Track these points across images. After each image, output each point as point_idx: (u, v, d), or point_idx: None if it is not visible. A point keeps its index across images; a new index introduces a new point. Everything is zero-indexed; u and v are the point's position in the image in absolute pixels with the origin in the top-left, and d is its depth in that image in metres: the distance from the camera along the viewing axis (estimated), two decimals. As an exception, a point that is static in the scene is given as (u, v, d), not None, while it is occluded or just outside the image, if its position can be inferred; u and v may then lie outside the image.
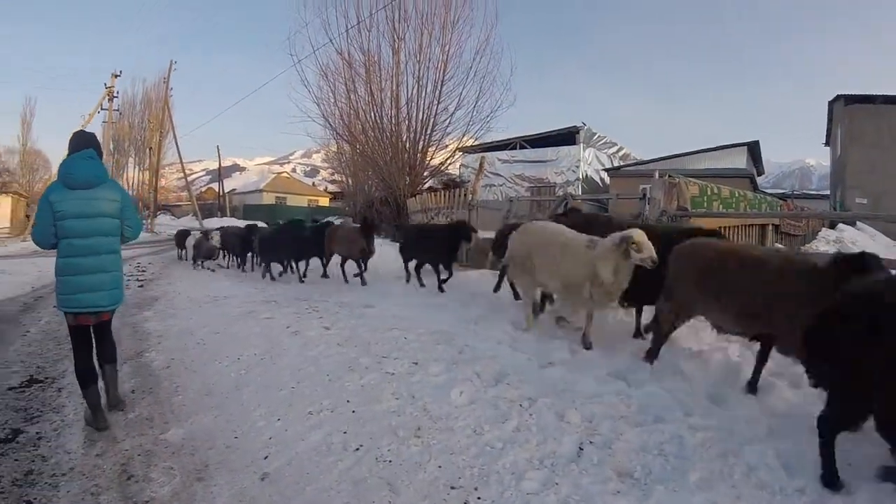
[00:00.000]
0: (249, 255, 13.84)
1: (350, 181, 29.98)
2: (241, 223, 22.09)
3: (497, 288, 7.94)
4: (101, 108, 36.42)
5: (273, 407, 4.31)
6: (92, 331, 4.26)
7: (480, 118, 19.65)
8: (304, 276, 11.26)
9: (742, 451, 3.22)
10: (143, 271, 14.09)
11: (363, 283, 9.91)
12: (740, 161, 29.68)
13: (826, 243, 16.32)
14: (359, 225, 11.29)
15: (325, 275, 11.17)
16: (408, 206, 18.24)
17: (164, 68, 41.21)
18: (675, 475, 3.07)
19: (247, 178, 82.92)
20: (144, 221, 39.32)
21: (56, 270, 4.06)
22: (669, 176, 9.19)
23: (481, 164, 17.22)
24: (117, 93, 37.57)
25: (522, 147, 32.96)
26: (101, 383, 4.32)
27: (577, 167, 31.05)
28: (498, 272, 8.01)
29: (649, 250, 4.81)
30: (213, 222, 34.32)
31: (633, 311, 5.87)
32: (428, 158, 20.78)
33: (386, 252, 14.96)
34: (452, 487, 3.10)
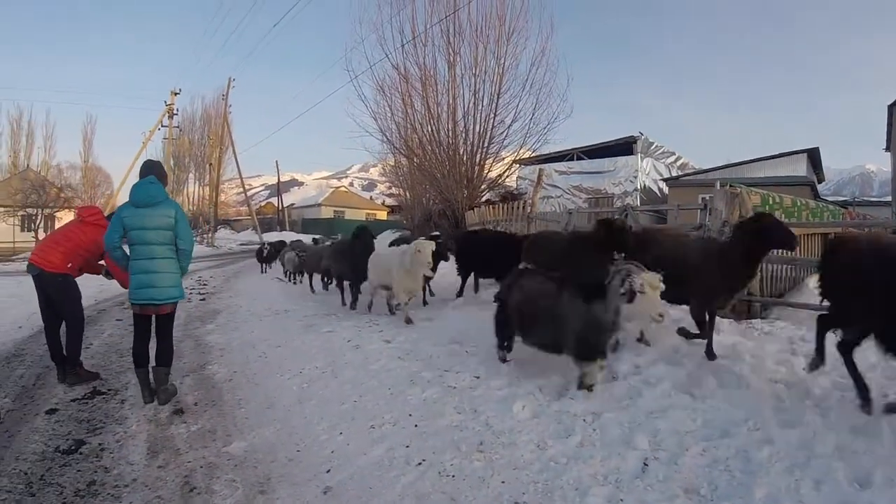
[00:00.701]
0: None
1: (408, 194, 30.15)
2: (303, 237, 22.43)
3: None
4: (162, 125, 37.77)
5: (335, 420, 4.28)
6: (154, 325, 4.95)
7: (537, 130, 19.50)
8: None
9: (809, 466, 3.09)
10: (205, 285, 14.38)
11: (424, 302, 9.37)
12: (800, 168, 28.70)
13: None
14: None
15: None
16: (466, 218, 18.20)
17: (223, 85, 42.45)
18: (741, 491, 2.96)
19: (305, 193, 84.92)
20: (205, 236, 40.46)
21: (129, 271, 4.83)
22: (731, 186, 8.88)
23: (539, 176, 17.05)
24: (177, 110, 39.03)
25: (579, 158, 32.68)
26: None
27: (635, 177, 30.66)
28: None
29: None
30: (272, 236, 35.04)
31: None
32: (485, 171, 20.71)
33: (443, 264, 14.94)
34: (516, 503, 3.05)
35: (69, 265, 5.46)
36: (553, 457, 3.46)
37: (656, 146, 32.74)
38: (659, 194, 31.26)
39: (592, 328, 4.20)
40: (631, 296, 3.99)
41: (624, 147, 31.33)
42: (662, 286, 4.07)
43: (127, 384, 5.40)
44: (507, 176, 23.82)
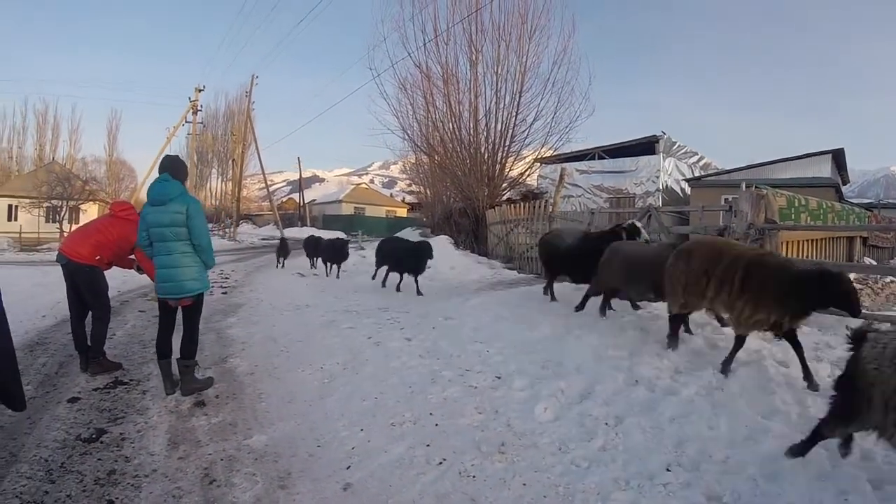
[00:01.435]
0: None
1: (428, 192, 30.16)
2: (323, 233, 22.52)
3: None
4: (186, 121, 38.08)
5: (356, 417, 4.28)
6: (179, 316, 5.06)
7: (559, 129, 19.34)
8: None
9: (833, 475, 3.08)
10: (227, 279, 14.41)
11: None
12: (825, 170, 28.22)
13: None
14: None
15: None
16: (487, 217, 18.16)
17: (246, 82, 42.69)
18: (764, 499, 2.94)
19: (326, 189, 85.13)
20: (227, 230, 40.79)
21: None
22: (756, 187, 8.75)
23: (561, 176, 16.99)
24: (201, 106, 39.19)
25: (601, 157, 32.49)
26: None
27: (657, 177, 30.44)
28: None
29: None
30: (293, 232, 35.22)
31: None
32: (506, 170, 20.67)
33: (462, 262, 14.93)
34: (537, 506, 3.02)
35: (97, 258, 5.54)
36: (574, 460, 3.44)
37: (679, 146, 32.47)
38: (681, 195, 30.99)
39: None
40: None
41: (646, 146, 31.12)
42: None
43: (149, 375, 5.44)
44: (528, 175, 23.74)
